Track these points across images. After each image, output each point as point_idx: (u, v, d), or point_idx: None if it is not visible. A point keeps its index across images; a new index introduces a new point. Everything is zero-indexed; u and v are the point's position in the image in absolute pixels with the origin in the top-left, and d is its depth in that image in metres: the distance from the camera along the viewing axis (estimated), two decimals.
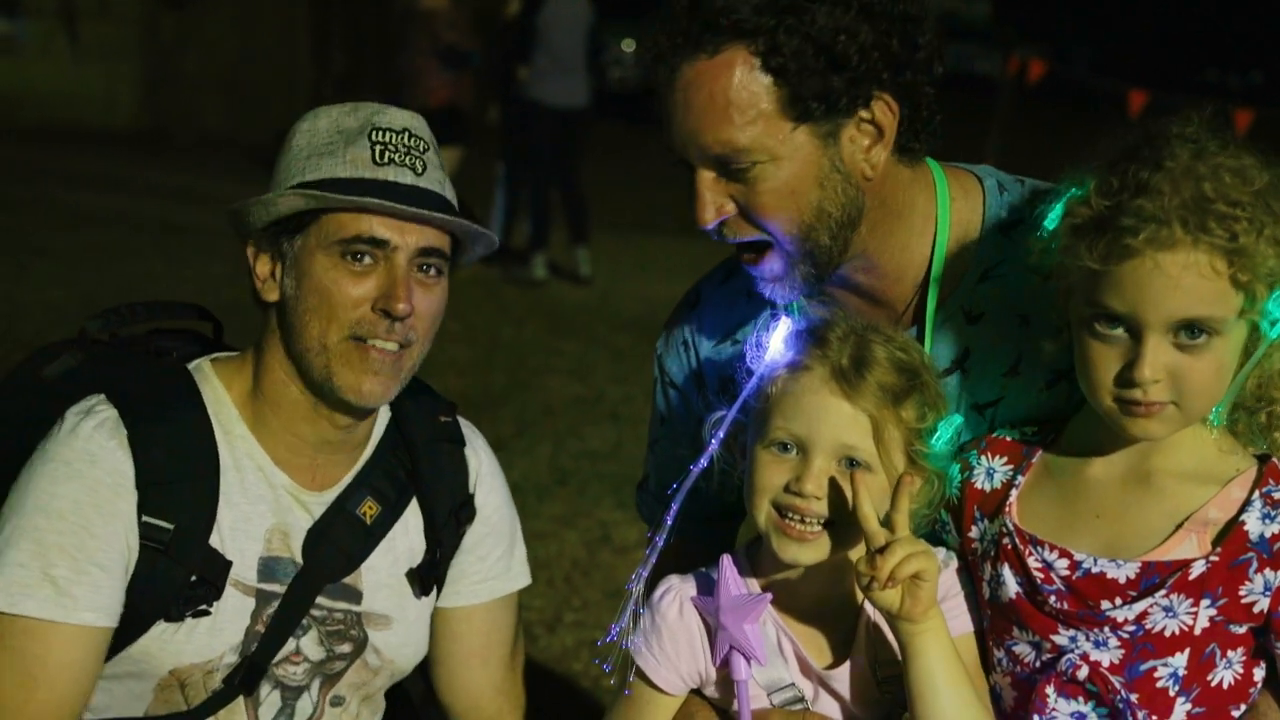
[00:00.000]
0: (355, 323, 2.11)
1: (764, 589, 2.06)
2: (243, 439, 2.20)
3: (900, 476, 1.95)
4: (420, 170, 2.15)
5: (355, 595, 2.27)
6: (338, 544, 2.24)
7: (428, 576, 2.34)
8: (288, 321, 2.16)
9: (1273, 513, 1.89)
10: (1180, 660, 1.91)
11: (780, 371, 2.01)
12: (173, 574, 2.10)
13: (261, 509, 2.19)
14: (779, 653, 2.07)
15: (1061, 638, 1.95)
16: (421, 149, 2.17)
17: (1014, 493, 2.04)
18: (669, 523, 2.05)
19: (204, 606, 2.13)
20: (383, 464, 2.31)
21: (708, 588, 2.07)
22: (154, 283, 9.39)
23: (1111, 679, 1.92)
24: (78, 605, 2.04)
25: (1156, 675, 1.91)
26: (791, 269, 2.09)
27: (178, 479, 2.11)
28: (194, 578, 2.12)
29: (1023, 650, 2.00)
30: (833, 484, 1.95)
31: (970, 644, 2.05)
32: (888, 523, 1.92)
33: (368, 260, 2.11)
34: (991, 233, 2.17)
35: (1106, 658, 1.93)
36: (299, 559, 2.21)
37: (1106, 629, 1.92)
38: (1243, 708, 1.95)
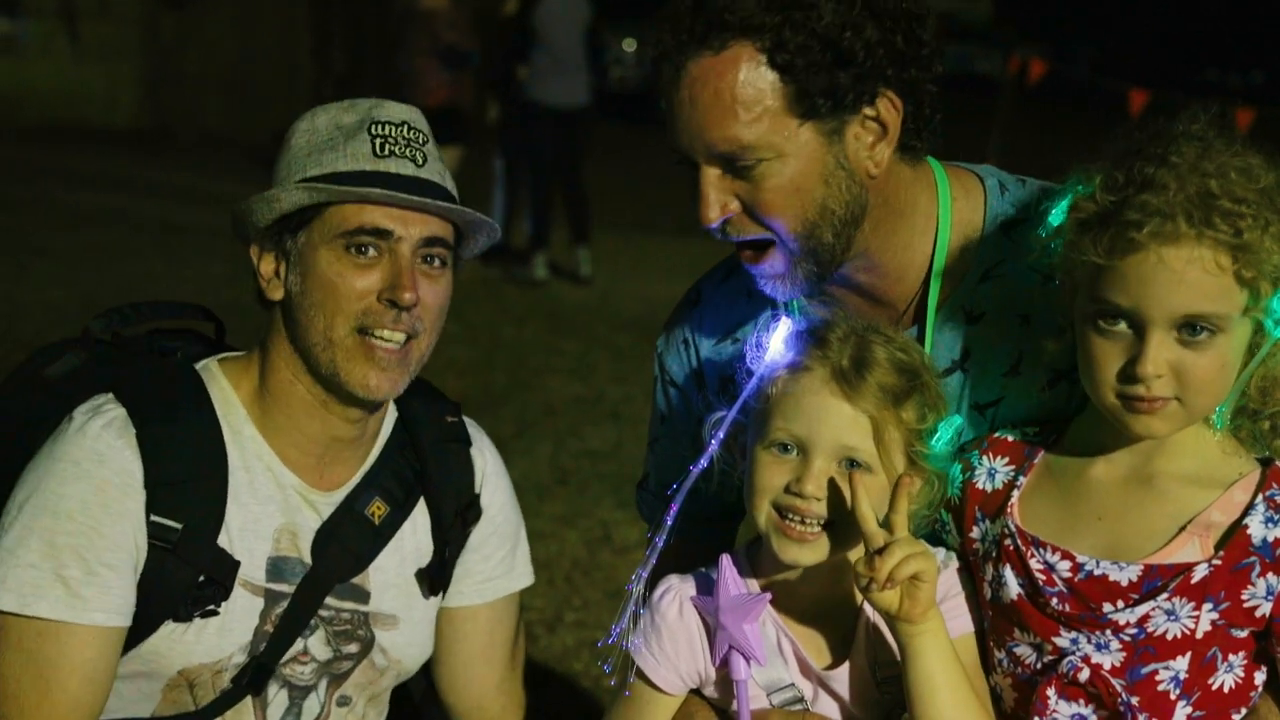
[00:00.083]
0: (361, 314, 2.11)
1: (764, 589, 2.06)
2: (251, 439, 2.20)
3: (900, 478, 1.95)
4: (420, 162, 2.16)
5: (363, 595, 2.27)
6: (346, 544, 2.24)
7: (437, 577, 2.34)
8: (293, 318, 2.16)
9: (1276, 517, 1.89)
10: (1182, 664, 1.90)
11: (780, 372, 2.01)
12: (181, 574, 2.10)
13: (270, 509, 2.19)
14: (778, 653, 2.06)
15: (1063, 640, 1.95)
16: (421, 141, 2.18)
17: (1016, 493, 2.03)
18: (669, 523, 2.05)
19: (212, 607, 2.13)
20: (390, 464, 2.31)
21: (707, 587, 2.07)
22: (154, 283, 9.40)
23: (1113, 681, 1.91)
24: (89, 606, 2.04)
25: (1158, 678, 1.91)
26: (793, 267, 2.09)
27: (186, 479, 2.11)
28: (202, 578, 2.12)
29: (1024, 652, 2.00)
30: (833, 485, 1.95)
31: (970, 644, 2.04)
32: (887, 524, 1.92)
33: (372, 252, 2.12)
34: (993, 232, 2.17)
35: (1108, 660, 1.92)
36: (307, 559, 2.21)
37: (1108, 631, 1.91)
38: (1243, 711, 1.95)
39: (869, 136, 2.05)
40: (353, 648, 2.27)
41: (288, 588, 2.19)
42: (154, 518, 2.08)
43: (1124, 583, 1.91)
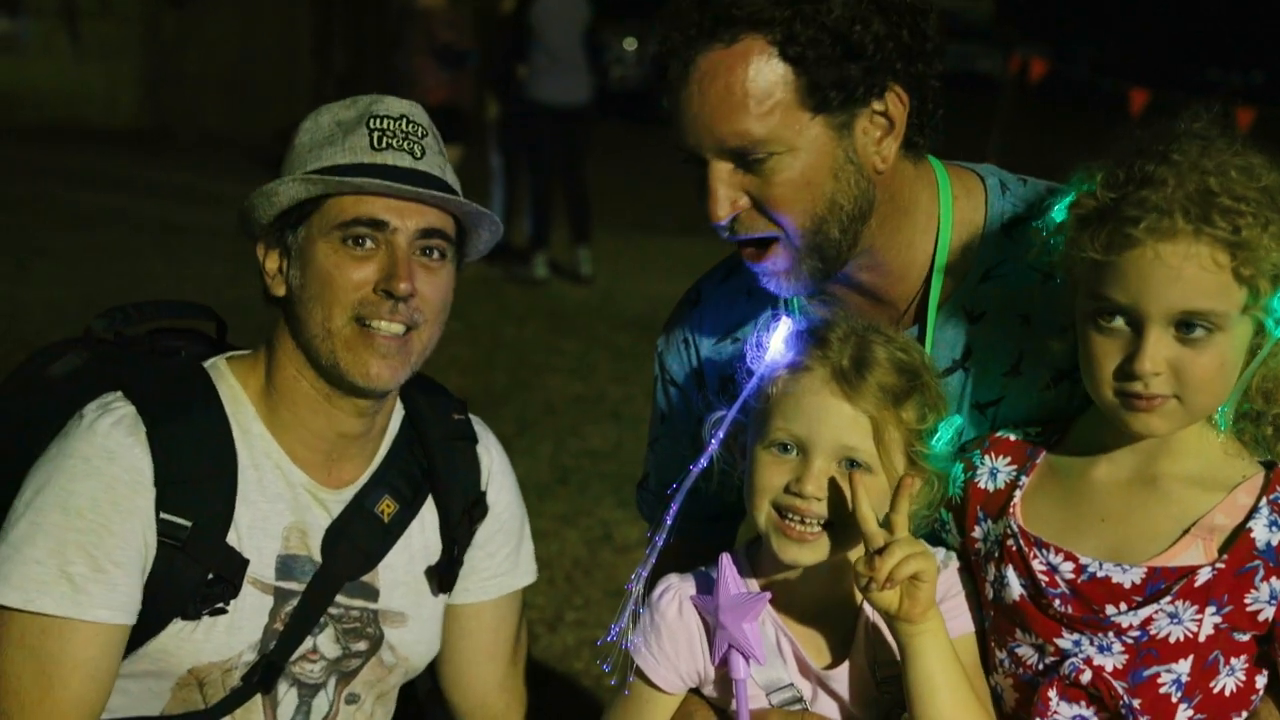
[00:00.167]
0: (357, 304, 2.11)
1: (763, 589, 2.06)
2: (260, 437, 2.20)
3: (900, 478, 1.95)
4: (419, 154, 2.16)
5: (372, 593, 2.28)
6: (356, 542, 2.24)
7: (446, 574, 2.35)
8: (294, 313, 2.17)
9: None
10: (1184, 667, 1.90)
11: (780, 372, 2.01)
12: (190, 572, 2.10)
13: (280, 507, 2.19)
14: (778, 653, 2.06)
15: (1065, 641, 1.94)
16: (420, 134, 2.18)
17: (1018, 494, 2.03)
18: (668, 522, 2.04)
19: (221, 605, 2.12)
20: (399, 462, 2.32)
21: (707, 587, 2.07)
22: (154, 283, 9.39)
23: (1114, 684, 1.91)
24: (93, 602, 2.03)
25: (1159, 681, 1.91)
26: (798, 263, 2.08)
27: (196, 477, 2.11)
28: (211, 576, 2.12)
29: (1025, 652, 2.00)
30: (833, 485, 1.95)
31: (970, 644, 2.04)
32: (887, 524, 1.92)
33: (369, 244, 2.12)
34: (994, 232, 2.16)
35: (1110, 662, 1.92)
36: (317, 557, 2.21)
37: (1111, 634, 1.91)
38: (1244, 715, 1.94)
39: (876, 131, 2.05)
40: (361, 645, 2.27)
41: (297, 586, 2.19)
42: (164, 515, 2.08)
43: (1127, 585, 1.90)
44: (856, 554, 1.96)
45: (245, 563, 2.14)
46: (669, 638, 2.09)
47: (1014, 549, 1.99)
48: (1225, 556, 1.88)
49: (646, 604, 2.11)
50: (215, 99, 17.92)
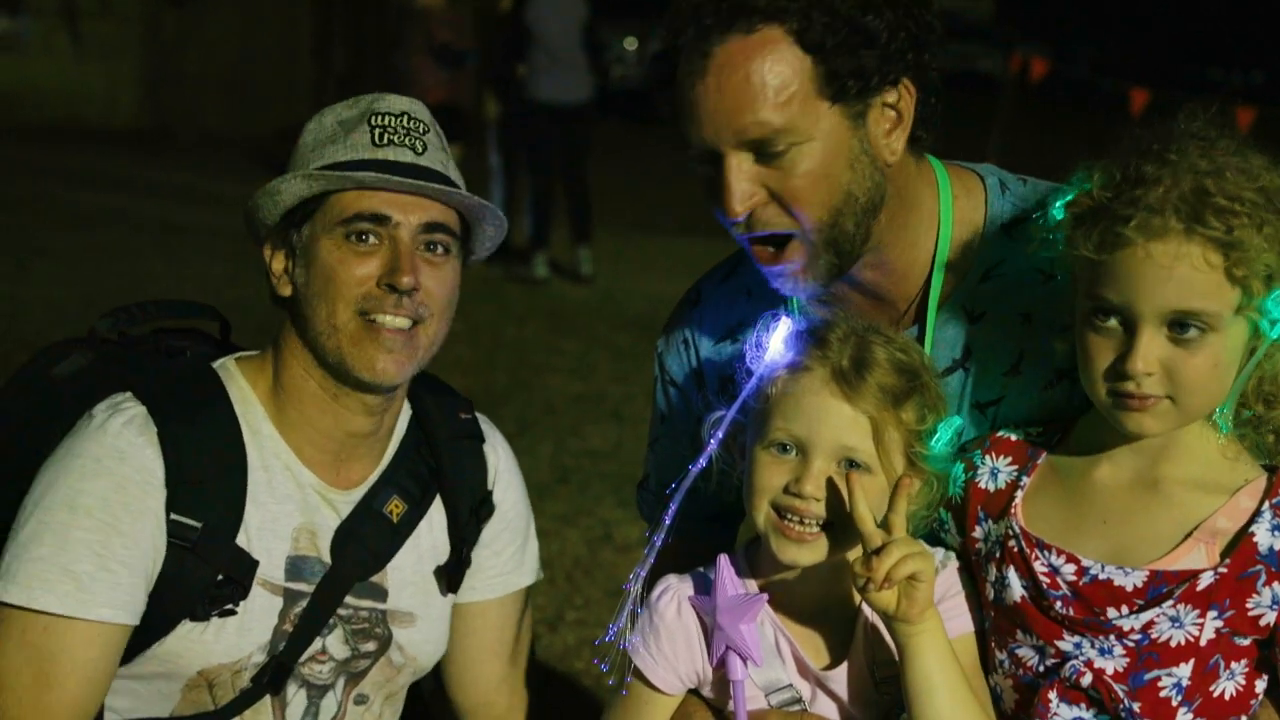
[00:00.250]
0: (361, 299, 2.11)
1: (762, 589, 2.06)
2: (270, 438, 2.20)
3: (899, 479, 1.95)
4: (420, 150, 2.16)
5: (381, 594, 2.28)
6: (365, 543, 2.24)
7: (455, 574, 2.35)
8: (300, 312, 2.17)
9: None
10: (1184, 670, 1.90)
11: (780, 372, 2.01)
12: (199, 573, 2.10)
13: (289, 508, 2.19)
14: (776, 653, 2.06)
15: (1066, 644, 1.94)
16: (421, 130, 2.18)
17: (1019, 494, 2.03)
18: (667, 522, 2.04)
19: (230, 606, 2.12)
20: (406, 462, 2.32)
21: (705, 587, 2.06)
22: (154, 283, 9.39)
23: (1115, 687, 1.90)
24: (96, 601, 2.03)
25: (1160, 685, 1.90)
26: (814, 260, 2.07)
27: (206, 478, 2.11)
28: (220, 577, 2.11)
29: (1026, 654, 1.99)
30: (832, 485, 1.95)
31: (969, 644, 2.04)
32: (885, 524, 1.91)
33: (372, 240, 2.12)
34: (994, 231, 2.16)
35: (1111, 665, 1.91)
36: (326, 558, 2.21)
37: (1112, 637, 1.90)
38: (1243, 719, 1.94)
39: (886, 124, 2.05)
40: (370, 646, 2.27)
41: (307, 587, 2.19)
42: (174, 516, 2.08)
43: (1129, 588, 1.90)
44: (855, 554, 1.96)
45: (255, 564, 2.14)
46: (667, 638, 2.08)
47: (1015, 550, 1.99)
48: (1227, 561, 1.88)
49: (645, 604, 2.11)
50: (215, 99, 17.93)
